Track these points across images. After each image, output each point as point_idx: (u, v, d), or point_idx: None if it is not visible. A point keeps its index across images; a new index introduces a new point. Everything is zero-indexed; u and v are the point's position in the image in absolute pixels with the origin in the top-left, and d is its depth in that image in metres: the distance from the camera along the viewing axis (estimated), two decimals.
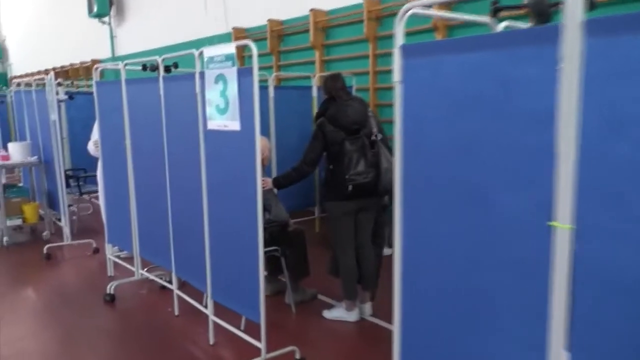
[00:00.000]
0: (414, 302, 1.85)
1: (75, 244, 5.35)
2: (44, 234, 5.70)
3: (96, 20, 12.04)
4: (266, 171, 3.70)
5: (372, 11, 5.84)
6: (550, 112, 1.37)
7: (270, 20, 7.25)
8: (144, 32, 10.91)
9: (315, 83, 5.70)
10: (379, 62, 5.99)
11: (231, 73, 2.75)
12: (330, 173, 3.42)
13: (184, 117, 3.26)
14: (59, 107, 5.57)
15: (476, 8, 4.61)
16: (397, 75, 1.79)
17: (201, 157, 3.09)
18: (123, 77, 3.88)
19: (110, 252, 4.51)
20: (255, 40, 8.22)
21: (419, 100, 1.74)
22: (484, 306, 1.62)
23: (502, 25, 2.07)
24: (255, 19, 7.60)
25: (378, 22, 5.94)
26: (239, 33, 7.90)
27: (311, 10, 6.51)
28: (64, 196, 5.31)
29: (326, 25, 6.59)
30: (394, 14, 5.80)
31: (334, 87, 3.44)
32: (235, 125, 2.79)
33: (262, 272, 2.77)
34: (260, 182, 2.70)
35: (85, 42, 13.18)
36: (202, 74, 2.99)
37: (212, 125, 2.97)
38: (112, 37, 12.17)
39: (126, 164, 3.98)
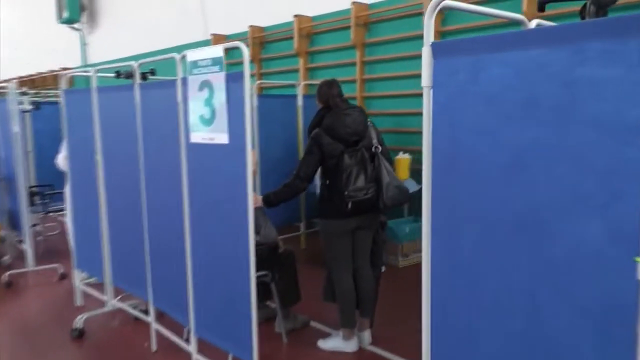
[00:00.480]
0: (448, 352, 1.54)
1: (39, 270, 4.89)
2: (4, 258, 5.22)
3: (66, 27, 11.53)
4: None
5: (360, 17, 5.58)
6: (637, 121, 1.08)
7: (251, 27, 6.94)
8: (118, 39, 10.47)
9: (300, 91, 5.40)
10: (367, 69, 5.73)
11: (218, 79, 2.43)
12: (326, 189, 3.11)
13: (163, 129, 2.91)
14: (24, 118, 5.14)
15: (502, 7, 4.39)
16: (426, 79, 1.50)
17: (183, 174, 2.75)
18: (94, 84, 3.50)
19: (79, 279, 4.09)
20: (237, 48, 7.88)
21: (455, 108, 1.44)
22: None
23: (533, 24, 1.80)
24: (236, 25, 7.28)
25: (366, 28, 5.68)
26: (219, 40, 7.56)
27: (295, 16, 6.23)
28: (26, 215, 4.87)
29: (311, 31, 6.31)
30: (383, 20, 5.59)
31: (330, 94, 3.14)
32: (222, 137, 2.45)
33: (254, 305, 2.44)
34: (251, 200, 2.38)
35: (55, 49, 12.64)
36: (184, 80, 2.66)
37: (196, 137, 2.63)
38: (83, 45, 11.68)
39: (97, 181, 3.59)
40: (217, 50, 2.41)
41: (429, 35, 1.50)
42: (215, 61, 2.43)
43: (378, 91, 5.65)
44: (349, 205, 2.99)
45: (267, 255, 3.32)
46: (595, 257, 1.21)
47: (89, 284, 4.08)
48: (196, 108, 2.59)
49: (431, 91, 1.50)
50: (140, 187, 3.17)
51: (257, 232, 3.19)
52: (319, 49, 6.26)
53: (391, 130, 5.37)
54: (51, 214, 5.60)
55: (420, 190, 4.59)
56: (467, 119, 1.42)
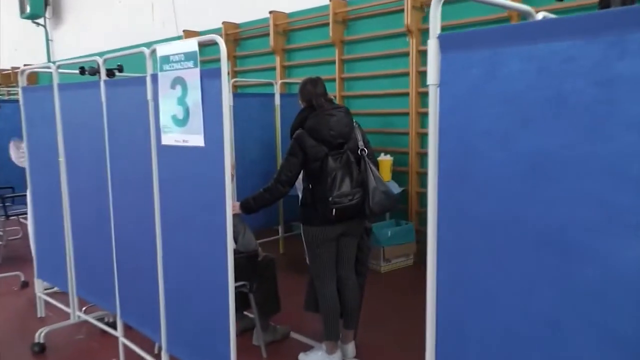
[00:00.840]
0: None
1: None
2: None
3: (30, 22, 11.04)
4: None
5: (338, 13, 5.41)
6: None
7: (225, 23, 6.69)
8: (84, 36, 10.05)
9: (277, 90, 5.20)
10: (346, 68, 5.56)
11: (193, 75, 2.21)
12: (309, 194, 2.92)
13: (132, 130, 2.67)
14: None
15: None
16: (432, 77, 1.32)
17: (154, 179, 2.52)
18: (55, 81, 3.24)
19: (41, 288, 3.80)
20: (209, 45, 7.62)
21: (467, 109, 1.27)
22: None
23: (539, 16, 1.65)
24: (209, 21, 7.02)
25: (345, 25, 5.51)
26: (191, 36, 7.27)
27: (271, 12, 6.01)
28: None
29: (287, 28, 6.10)
30: (363, 17, 5.42)
31: (314, 93, 2.94)
32: (197, 139, 2.24)
33: (233, 320, 2.23)
34: (231, 209, 2.17)
35: (19, 46, 12.10)
36: (154, 77, 2.43)
37: (168, 139, 2.40)
38: (47, 41, 11.20)
39: (60, 185, 3.32)
40: (191, 44, 2.19)
41: (436, 27, 1.33)
42: (189, 56, 2.21)
43: (358, 90, 5.49)
44: (334, 212, 2.81)
45: (245, 264, 3.12)
46: (631, 282, 1.05)
47: (52, 294, 3.80)
48: (168, 107, 2.36)
49: (438, 90, 1.32)
50: (107, 192, 2.92)
51: (235, 240, 2.99)
52: (296, 46, 6.06)
53: (372, 131, 5.21)
54: (13, 217, 5.25)
55: (402, 193, 4.42)
56: (480, 121, 1.25)
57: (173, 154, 2.39)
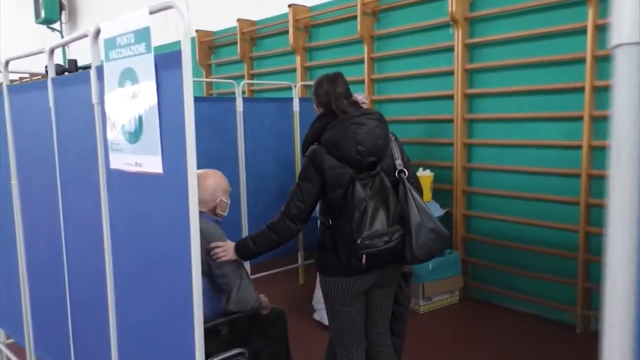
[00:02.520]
0: None
1: None
2: None
3: (45, 27, 10.59)
4: (222, 223, 2.39)
5: (367, 4, 4.62)
6: None
7: (240, 20, 5.97)
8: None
9: (296, 94, 4.43)
10: (377, 67, 4.75)
11: (145, 65, 1.45)
12: (329, 233, 2.12)
13: (80, 146, 1.93)
14: None
15: None
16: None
17: (103, 217, 1.76)
18: (5, 81, 2.54)
19: (3, 337, 3.10)
20: (224, 46, 7.02)
21: None
22: None
23: None
24: (223, 20, 6.32)
25: (375, 17, 4.71)
26: (205, 36, 6.60)
27: (290, 6, 5.26)
28: None
29: (309, 23, 5.34)
30: (396, 7, 4.59)
31: (333, 93, 2.15)
32: (153, 163, 1.47)
33: None
34: (198, 263, 1.40)
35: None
36: (99, 70, 1.68)
37: (117, 161, 1.64)
38: (63, 46, 10.73)
39: (13, 215, 2.61)
40: (142, 18, 1.43)
41: None
42: (140, 36, 1.45)
43: (391, 93, 4.67)
44: (364, 260, 2.00)
45: (243, 324, 2.34)
46: None
47: (12, 346, 3.09)
48: (116, 114, 1.61)
49: None
50: (60, 228, 2.19)
51: (228, 294, 2.21)
52: (318, 44, 5.29)
53: (408, 141, 4.38)
54: None
55: (445, 216, 3.39)
56: None
57: (125, 182, 1.64)
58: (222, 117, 4.06)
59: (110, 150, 1.65)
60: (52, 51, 2.11)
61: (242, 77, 5.96)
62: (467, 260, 4.17)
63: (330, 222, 2.11)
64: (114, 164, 1.65)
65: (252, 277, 2.83)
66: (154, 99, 1.42)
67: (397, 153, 2.17)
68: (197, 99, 4.31)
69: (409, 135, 4.46)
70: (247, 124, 4.11)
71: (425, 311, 3.92)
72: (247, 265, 3.04)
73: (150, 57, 1.41)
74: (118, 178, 1.65)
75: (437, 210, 4.06)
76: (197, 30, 6.63)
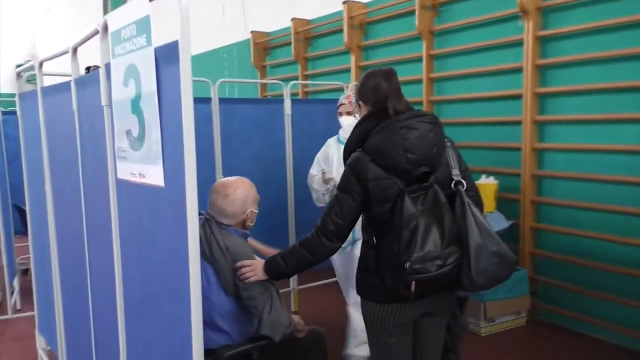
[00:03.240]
0: None
1: (21, 318, 3.92)
2: None
3: None
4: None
5: None
6: None
7: (294, 20, 5.79)
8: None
9: None
10: (436, 65, 4.41)
11: (146, 60, 1.25)
12: (373, 253, 1.85)
13: (96, 153, 1.77)
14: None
15: None
16: None
17: (112, 230, 1.59)
18: (39, 84, 2.45)
19: (43, 344, 3.05)
20: (279, 47, 6.87)
21: None
22: None
23: None
24: (278, 20, 6.17)
25: (435, 11, 4.37)
26: (260, 38, 6.48)
27: (345, 2, 5.01)
28: (12, 244, 3.95)
29: (364, 20, 5.07)
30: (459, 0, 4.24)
31: (390, 89, 1.86)
32: (155, 174, 1.27)
33: None
34: (197, 292, 1.18)
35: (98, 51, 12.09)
36: (108, 69, 1.50)
37: (123, 170, 1.46)
38: None
39: (47, 224, 2.53)
40: (141, 5, 1.23)
41: None
42: (141, 26, 1.25)
43: (451, 93, 4.31)
44: (413, 287, 1.71)
45: (277, 350, 2.10)
46: None
47: (50, 353, 3.03)
48: (121, 118, 1.42)
49: None
50: (83, 236, 2.06)
51: (259, 319, 1.99)
52: (374, 42, 5.00)
53: (469, 145, 4.02)
54: None
55: (511, 228, 2.92)
56: None
57: (132, 194, 1.45)
58: (270, 119, 3.89)
59: (117, 158, 1.47)
60: (75, 50, 1.98)
61: (296, 78, 5.77)
62: (536, 279, 3.74)
63: (375, 241, 1.83)
64: (121, 174, 1.47)
65: None
66: (154, 100, 1.22)
67: (453, 162, 1.86)
68: (244, 101, 4.13)
69: (471, 139, 4.09)
70: (295, 127, 3.90)
71: (486, 333, 3.54)
72: None
73: (151, 50, 1.21)
74: (125, 188, 1.47)
75: (501, 222, 3.68)
76: (252, 32, 6.53)
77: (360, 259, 1.93)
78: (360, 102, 1.95)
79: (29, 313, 3.89)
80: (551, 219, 3.68)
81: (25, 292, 4.04)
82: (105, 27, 1.49)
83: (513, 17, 3.73)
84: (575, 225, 3.51)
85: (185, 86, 1.08)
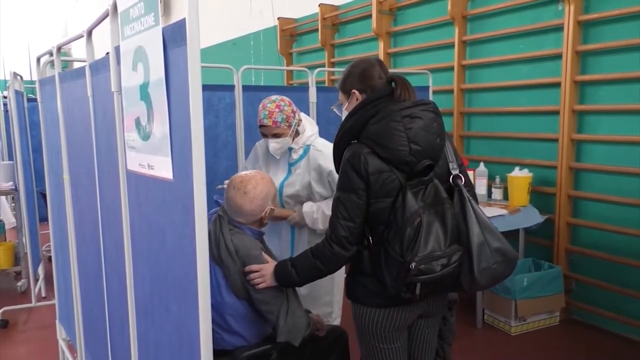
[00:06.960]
0: None
1: (45, 306, 3.93)
2: (19, 284, 4.35)
3: None
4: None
5: None
6: None
7: (322, 5, 5.65)
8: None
9: None
10: (469, 52, 4.22)
11: (154, 41, 1.15)
12: (367, 253, 1.70)
13: (109, 141, 1.69)
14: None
15: None
16: None
17: (123, 223, 1.51)
18: (57, 69, 2.39)
19: (63, 334, 3.03)
20: (306, 33, 6.73)
21: None
22: None
23: None
24: (306, 5, 6.03)
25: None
26: (286, 24, 6.36)
27: None
28: (36, 231, 3.96)
29: (394, 5, 4.89)
30: None
31: (383, 75, 1.75)
32: (163, 166, 1.17)
33: None
34: (206, 296, 1.08)
35: None
36: (118, 52, 1.41)
37: (132, 161, 1.37)
38: None
39: (65, 210, 2.48)
40: None
41: None
42: (149, 4, 1.15)
43: (485, 81, 4.12)
44: (417, 288, 1.58)
45: (296, 350, 2.00)
46: None
47: (69, 343, 3.01)
48: (131, 104, 1.33)
49: None
50: (99, 228, 1.99)
51: (275, 324, 1.89)
52: (404, 27, 4.82)
53: (502, 135, 3.84)
54: None
55: (546, 223, 2.73)
56: None
57: (141, 186, 1.36)
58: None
59: (127, 147, 1.38)
60: (89, 33, 1.90)
61: (322, 65, 5.64)
62: (571, 276, 3.56)
63: (371, 239, 1.67)
64: (130, 165, 1.38)
65: None
66: (162, 85, 1.12)
67: (450, 155, 1.72)
68: (268, 88, 4.02)
69: (504, 129, 3.91)
70: (320, 115, 3.79)
71: (517, 333, 3.39)
72: None
73: (158, 30, 1.11)
74: (134, 180, 1.38)
75: (536, 217, 3.52)
76: (279, 18, 6.41)
77: (355, 260, 1.74)
78: (352, 91, 1.80)
79: (53, 302, 3.91)
80: (588, 214, 3.49)
81: (50, 280, 4.06)
82: (115, 7, 1.40)
83: (552, 1, 3.52)
84: (613, 221, 3.31)
85: (193, 70, 0.98)
